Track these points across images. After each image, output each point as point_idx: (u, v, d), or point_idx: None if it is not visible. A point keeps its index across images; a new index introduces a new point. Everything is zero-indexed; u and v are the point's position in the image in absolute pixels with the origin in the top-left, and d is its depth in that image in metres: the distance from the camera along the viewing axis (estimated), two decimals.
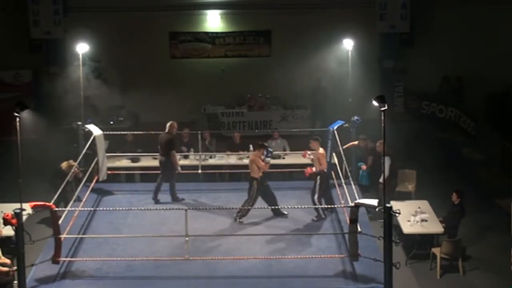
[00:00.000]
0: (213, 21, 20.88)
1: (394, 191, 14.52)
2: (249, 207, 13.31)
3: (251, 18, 20.79)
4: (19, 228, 10.37)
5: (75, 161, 14.46)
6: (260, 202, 13.50)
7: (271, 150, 13.54)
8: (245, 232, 12.91)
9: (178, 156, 16.15)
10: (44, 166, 15.44)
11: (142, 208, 13.91)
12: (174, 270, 11.55)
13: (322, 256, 11.88)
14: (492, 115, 19.22)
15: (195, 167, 15.87)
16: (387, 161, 14.45)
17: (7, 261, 11.19)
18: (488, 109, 19.67)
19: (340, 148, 14.70)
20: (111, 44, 19.67)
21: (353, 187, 14.04)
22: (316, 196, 13.51)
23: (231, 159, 16.43)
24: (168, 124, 14.71)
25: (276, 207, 13.46)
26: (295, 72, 19.46)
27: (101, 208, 14.05)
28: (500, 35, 19.74)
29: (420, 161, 16.25)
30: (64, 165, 14.26)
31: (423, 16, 20.08)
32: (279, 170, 16.08)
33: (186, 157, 16.44)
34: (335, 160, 15.17)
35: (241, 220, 13.33)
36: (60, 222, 11.83)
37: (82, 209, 13.51)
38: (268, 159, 13.36)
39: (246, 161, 16.05)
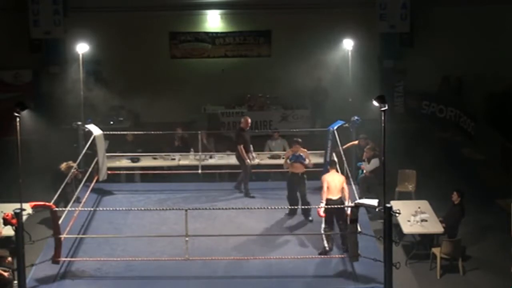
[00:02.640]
0: (213, 21, 20.89)
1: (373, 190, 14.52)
2: (309, 203, 13.30)
3: (251, 18, 20.80)
4: (19, 228, 10.37)
5: (74, 161, 14.45)
6: (261, 202, 13.54)
7: (301, 155, 13.47)
8: (245, 232, 12.90)
9: (178, 155, 16.22)
10: (44, 166, 15.45)
11: (142, 208, 13.91)
12: (174, 270, 11.55)
13: (322, 256, 11.88)
14: (492, 115, 19.23)
15: (195, 167, 15.86)
16: (375, 162, 14.51)
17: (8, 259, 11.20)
18: (488, 109, 19.67)
19: (340, 148, 14.71)
20: (111, 44, 19.67)
21: (353, 187, 14.03)
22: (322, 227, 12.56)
23: (231, 159, 16.39)
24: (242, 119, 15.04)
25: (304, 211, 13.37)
26: (295, 72, 19.44)
27: (101, 208, 14.05)
28: (500, 35, 19.73)
29: (420, 161, 16.25)
30: (63, 166, 14.25)
31: (423, 16, 20.09)
32: (279, 170, 16.08)
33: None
34: (335, 160, 15.16)
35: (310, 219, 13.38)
36: (60, 222, 11.83)
37: (82, 209, 13.50)
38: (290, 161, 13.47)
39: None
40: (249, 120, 14.98)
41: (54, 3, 19.68)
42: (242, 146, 14.66)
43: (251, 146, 15.00)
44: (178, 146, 16.69)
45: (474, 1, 19.99)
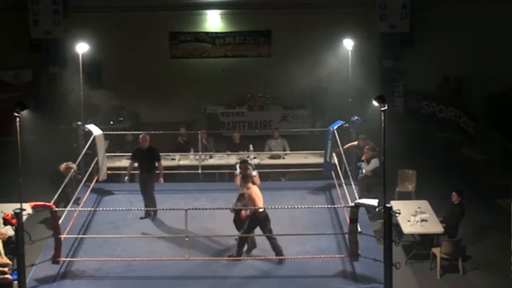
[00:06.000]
0: (213, 21, 20.90)
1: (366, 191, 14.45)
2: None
3: (251, 18, 20.81)
4: (19, 228, 10.36)
5: (74, 161, 14.44)
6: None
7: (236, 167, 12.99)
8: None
9: (178, 155, 16.20)
10: (44, 166, 15.44)
11: (142, 208, 13.90)
12: (174, 270, 11.54)
13: (322, 256, 11.88)
14: (492, 115, 19.22)
15: (195, 167, 15.86)
16: (375, 163, 14.52)
17: (8, 261, 11.19)
18: (488, 109, 19.67)
19: (340, 148, 14.70)
20: (111, 44, 19.68)
21: (353, 187, 14.02)
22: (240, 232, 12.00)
23: (231, 159, 16.41)
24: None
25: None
26: (295, 72, 19.44)
27: (101, 208, 14.05)
28: (500, 35, 19.72)
29: (420, 161, 16.25)
30: (62, 166, 14.25)
31: (423, 16, 20.08)
32: (279, 170, 16.10)
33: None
34: (335, 160, 15.17)
35: None
36: (60, 222, 11.83)
37: (82, 209, 13.50)
38: (237, 171, 12.87)
39: None
40: (147, 138, 13.75)
41: (54, 3, 19.70)
42: (130, 162, 14.04)
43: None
44: (180, 144, 16.64)
45: (474, 1, 19.98)
